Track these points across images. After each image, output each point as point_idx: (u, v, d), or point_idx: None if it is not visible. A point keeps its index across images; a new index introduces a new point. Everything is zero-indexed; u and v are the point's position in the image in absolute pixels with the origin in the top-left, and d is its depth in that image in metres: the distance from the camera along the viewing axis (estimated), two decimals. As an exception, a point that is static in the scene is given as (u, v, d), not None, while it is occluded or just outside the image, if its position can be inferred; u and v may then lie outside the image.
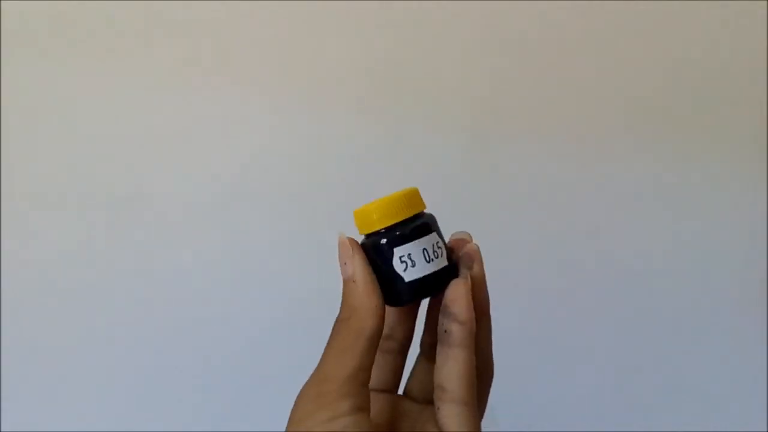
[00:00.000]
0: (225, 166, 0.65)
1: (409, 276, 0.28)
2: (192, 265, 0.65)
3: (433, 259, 0.28)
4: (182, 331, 0.65)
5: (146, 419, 0.65)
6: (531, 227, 0.68)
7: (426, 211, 0.30)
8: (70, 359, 0.64)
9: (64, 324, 0.64)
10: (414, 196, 0.29)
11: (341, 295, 0.29)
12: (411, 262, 0.28)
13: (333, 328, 0.29)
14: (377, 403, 0.31)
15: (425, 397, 0.31)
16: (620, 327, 0.70)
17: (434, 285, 0.28)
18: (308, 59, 0.65)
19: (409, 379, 0.33)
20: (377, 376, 0.32)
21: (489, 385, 0.31)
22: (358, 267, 0.28)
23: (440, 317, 0.28)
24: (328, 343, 0.28)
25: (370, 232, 0.29)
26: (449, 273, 0.29)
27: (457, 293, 0.28)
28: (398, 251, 0.28)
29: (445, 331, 0.28)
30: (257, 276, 0.66)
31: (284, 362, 0.64)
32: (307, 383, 0.28)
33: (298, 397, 0.28)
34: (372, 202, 0.29)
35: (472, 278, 0.29)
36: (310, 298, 0.61)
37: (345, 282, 0.29)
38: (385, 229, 0.29)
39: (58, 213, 0.63)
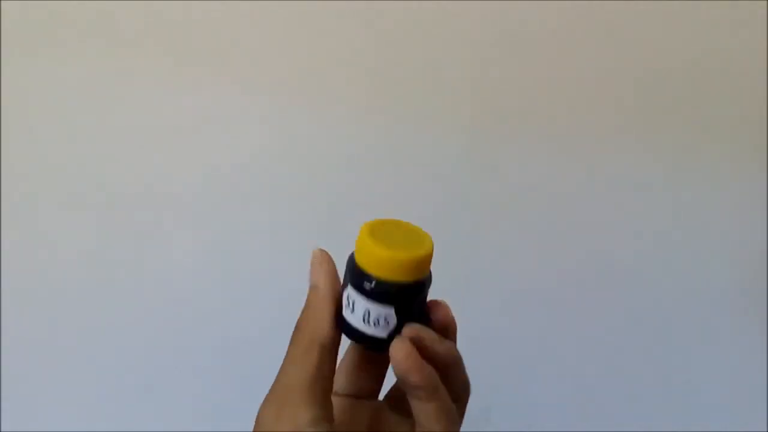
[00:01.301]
0: (224, 165, 0.65)
1: (355, 322, 0.28)
2: (192, 264, 0.65)
3: (377, 325, 0.28)
4: (182, 330, 0.65)
5: (146, 419, 0.65)
6: (531, 227, 0.68)
7: (424, 277, 0.28)
8: (69, 359, 0.64)
9: (63, 324, 0.64)
10: (422, 262, 0.28)
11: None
12: (368, 318, 0.28)
13: (291, 337, 0.29)
14: (358, 410, 0.31)
15: (405, 406, 0.31)
16: (620, 327, 0.70)
17: (371, 345, 0.28)
18: (308, 59, 0.65)
19: (392, 388, 0.33)
20: (360, 382, 0.32)
21: (465, 405, 0.31)
22: (323, 276, 0.28)
23: (401, 383, 0.27)
24: (287, 351, 0.28)
25: (362, 268, 0.27)
26: (384, 344, 0.28)
27: (407, 364, 0.26)
28: (360, 301, 0.27)
29: (413, 396, 0.27)
30: (257, 276, 0.66)
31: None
32: (269, 392, 0.28)
33: (261, 405, 0.27)
34: (385, 244, 0.27)
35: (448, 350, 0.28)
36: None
37: (308, 290, 0.29)
38: (382, 281, 0.27)
39: (57, 212, 0.63)
